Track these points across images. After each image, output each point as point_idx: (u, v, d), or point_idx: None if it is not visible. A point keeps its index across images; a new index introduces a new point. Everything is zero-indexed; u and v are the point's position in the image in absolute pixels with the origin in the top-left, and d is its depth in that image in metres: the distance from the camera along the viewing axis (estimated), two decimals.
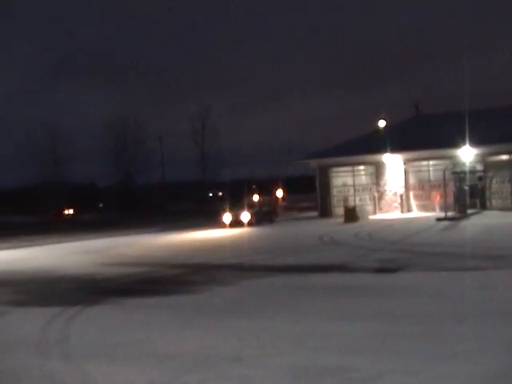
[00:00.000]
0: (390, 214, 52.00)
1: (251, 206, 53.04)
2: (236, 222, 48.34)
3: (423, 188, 52.86)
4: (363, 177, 55.76)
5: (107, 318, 14.43)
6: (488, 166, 50.20)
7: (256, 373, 9.20)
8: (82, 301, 16.67)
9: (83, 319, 14.17)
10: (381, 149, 51.44)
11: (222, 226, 48.02)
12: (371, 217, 50.68)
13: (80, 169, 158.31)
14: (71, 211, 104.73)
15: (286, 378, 8.90)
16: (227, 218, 49.07)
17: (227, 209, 50.39)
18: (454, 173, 49.05)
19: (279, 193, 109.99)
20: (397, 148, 51.01)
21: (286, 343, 10.94)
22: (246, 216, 49.49)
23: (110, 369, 9.74)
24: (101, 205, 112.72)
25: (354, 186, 55.62)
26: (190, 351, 10.61)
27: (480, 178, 49.78)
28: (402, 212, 52.03)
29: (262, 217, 52.09)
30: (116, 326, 13.43)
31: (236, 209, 50.86)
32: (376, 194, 53.41)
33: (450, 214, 42.83)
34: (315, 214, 58.41)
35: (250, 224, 48.71)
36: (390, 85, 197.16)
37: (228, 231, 44.42)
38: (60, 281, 21.82)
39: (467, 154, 48.70)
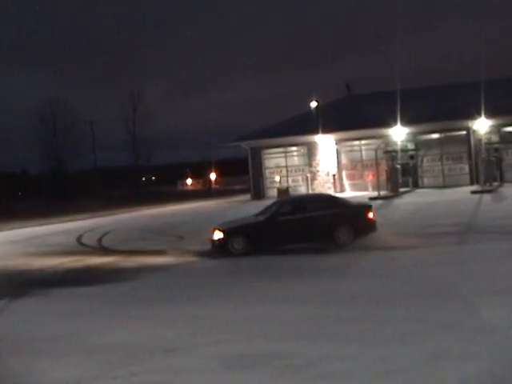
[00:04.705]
0: None
1: None
2: None
3: (356, 168, 52.89)
4: (296, 158, 55.52)
5: (34, 311, 13.93)
6: (419, 145, 50.45)
7: (188, 363, 8.81)
8: (6, 294, 16.00)
9: (8, 314, 13.55)
10: (312, 129, 51.23)
11: None
12: None
13: (12, 156, 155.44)
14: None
15: (218, 368, 8.51)
16: None
17: None
18: (386, 152, 49.14)
19: (212, 176, 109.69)
20: (328, 128, 50.83)
21: (221, 330, 10.51)
22: None
23: (36, 366, 9.23)
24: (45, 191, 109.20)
25: (286, 167, 55.33)
26: (120, 343, 10.19)
27: (412, 157, 49.96)
28: (335, 192, 51.88)
29: None
30: (43, 319, 12.92)
31: None
32: (309, 175, 53.22)
33: (382, 192, 42.92)
34: (248, 197, 58.05)
35: None
36: (324, 68, 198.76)
37: None
38: None
39: (398, 133, 48.79)
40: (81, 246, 27.68)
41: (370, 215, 22.57)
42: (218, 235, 21.91)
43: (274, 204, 24.22)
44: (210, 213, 42.44)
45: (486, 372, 7.55)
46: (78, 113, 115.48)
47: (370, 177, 50.80)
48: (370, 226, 22.28)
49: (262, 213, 23.61)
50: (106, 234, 32.33)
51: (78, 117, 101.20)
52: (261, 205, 45.06)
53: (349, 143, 52.97)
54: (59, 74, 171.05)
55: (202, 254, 22.36)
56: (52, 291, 16.40)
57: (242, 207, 46.04)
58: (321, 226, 21.88)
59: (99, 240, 29.47)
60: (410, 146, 50.46)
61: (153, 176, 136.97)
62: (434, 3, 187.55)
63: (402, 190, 46.12)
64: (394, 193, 44.01)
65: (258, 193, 54.76)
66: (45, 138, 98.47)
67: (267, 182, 55.50)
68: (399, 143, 49.51)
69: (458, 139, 49.04)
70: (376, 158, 46.81)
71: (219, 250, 21.84)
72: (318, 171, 53.28)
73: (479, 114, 45.47)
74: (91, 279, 18.14)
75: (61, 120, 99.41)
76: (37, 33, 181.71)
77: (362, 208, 23.80)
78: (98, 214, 49.95)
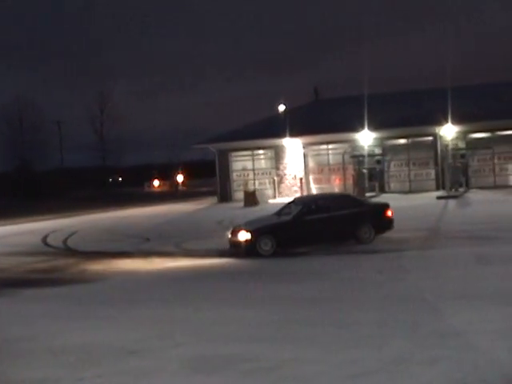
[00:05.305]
0: (290, 197, 51.75)
1: None
2: None
3: (322, 171, 52.98)
4: (263, 161, 55.48)
5: (0, 311, 13.71)
6: (386, 150, 50.75)
7: (152, 366, 8.75)
8: None
9: None
10: (280, 133, 51.21)
11: None
12: (271, 201, 50.43)
13: None
14: None
15: (183, 371, 8.46)
16: None
17: None
18: (353, 156, 49.38)
19: (179, 178, 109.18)
20: (296, 132, 50.86)
21: (185, 333, 10.46)
22: None
23: (1, 366, 9.14)
24: None
25: (253, 170, 55.27)
26: (85, 344, 10.12)
27: (378, 162, 50.20)
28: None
29: None
30: (10, 319, 12.87)
31: None
32: (275, 178, 53.24)
33: None
34: (215, 199, 57.95)
35: None
36: (294, 72, 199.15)
37: None
38: None
39: (366, 138, 49.01)
40: (46, 247, 27.45)
41: (389, 213, 22.98)
42: (244, 236, 21.12)
43: (295, 203, 23.67)
44: (177, 216, 42.40)
45: (449, 376, 7.59)
46: (46, 112, 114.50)
47: (336, 181, 50.99)
48: (389, 223, 22.66)
49: (282, 212, 23.20)
50: (71, 234, 32.12)
51: (45, 116, 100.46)
52: (228, 208, 45.20)
53: (316, 147, 53.02)
54: (26, 75, 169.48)
55: (169, 255, 22.29)
56: (16, 292, 16.25)
57: (210, 210, 46.05)
58: (344, 225, 22.04)
59: (64, 241, 29.25)
60: (377, 150, 50.71)
61: (119, 177, 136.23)
62: (406, 10, 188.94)
63: (368, 194, 46.26)
64: (361, 197, 44.12)
65: (225, 195, 54.65)
66: (11, 136, 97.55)
67: (234, 185, 55.42)
68: (366, 148, 49.75)
69: (425, 145, 49.44)
70: (343, 163, 47.13)
71: (247, 251, 21.05)
72: (285, 174, 53.28)
73: (446, 121, 45.87)
74: (56, 280, 17.99)
75: (28, 119, 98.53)
76: (2, 33, 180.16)
77: (381, 206, 24.16)
78: (63, 214, 49.52)
